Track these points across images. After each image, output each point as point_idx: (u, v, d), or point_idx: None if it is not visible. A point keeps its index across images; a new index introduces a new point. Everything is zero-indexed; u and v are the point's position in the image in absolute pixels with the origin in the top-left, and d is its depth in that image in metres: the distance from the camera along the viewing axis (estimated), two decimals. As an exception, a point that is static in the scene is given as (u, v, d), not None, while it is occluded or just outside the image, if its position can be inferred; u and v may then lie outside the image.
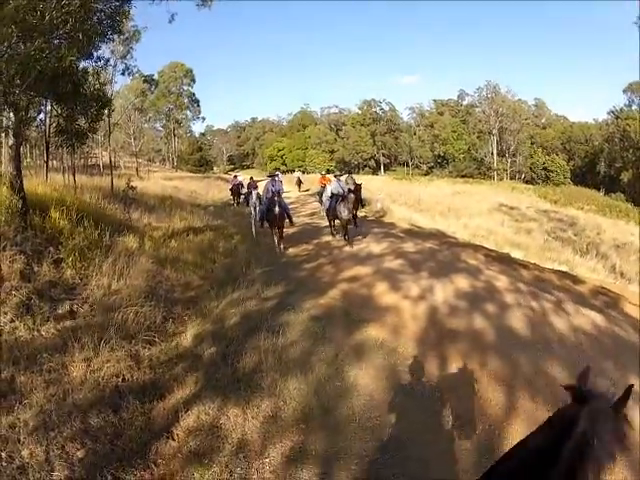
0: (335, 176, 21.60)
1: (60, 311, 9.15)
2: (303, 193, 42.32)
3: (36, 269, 10.11)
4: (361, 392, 7.28)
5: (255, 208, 21.71)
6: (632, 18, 32.93)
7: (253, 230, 20.31)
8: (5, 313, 8.59)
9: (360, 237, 19.04)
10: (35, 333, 8.27)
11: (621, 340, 9.84)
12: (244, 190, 32.70)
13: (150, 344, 8.73)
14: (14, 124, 12.62)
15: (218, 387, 7.39)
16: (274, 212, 17.15)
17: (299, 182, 47.66)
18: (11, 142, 13.03)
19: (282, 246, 17.61)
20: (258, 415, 6.71)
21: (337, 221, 19.49)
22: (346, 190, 19.10)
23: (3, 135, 13.48)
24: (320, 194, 26.80)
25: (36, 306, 8.89)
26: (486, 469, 2.53)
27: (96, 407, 6.57)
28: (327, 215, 20.60)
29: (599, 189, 74.37)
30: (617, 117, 77.16)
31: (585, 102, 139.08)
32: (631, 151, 72.50)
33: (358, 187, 19.99)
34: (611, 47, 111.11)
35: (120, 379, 7.44)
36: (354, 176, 24.48)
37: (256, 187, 27.41)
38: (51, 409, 6.38)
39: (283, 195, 18.55)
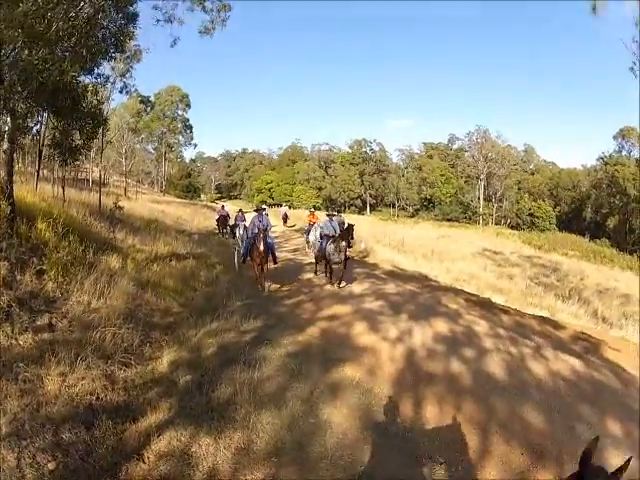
0: (328, 215, 20.27)
1: (39, 322, 9.08)
2: (288, 228, 42.53)
3: (18, 277, 10.06)
4: (334, 430, 7.27)
5: (242, 241, 21.39)
6: (626, 65, 33.27)
7: (236, 262, 20.18)
8: (-16, 318, 8.55)
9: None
10: (13, 341, 8.21)
11: (600, 385, 9.86)
12: (231, 222, 32.59)
13: (126, 366, 8.71)
14: (10, 130, 12.65)
15: (192, 415, 7.38)
16: (259, 249, 16.11)
17: (285, 217, 47.08)
18: (5, 147, 13.05)
19: (266, 284, 16.58)
20: (230, 446, 6.69)
21: (322, 263, 18.87)
22: (338, 231, 18.31)
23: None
24: (307, 232, 26.97)
25: (16, 315, 8.82)
26: None
27: (69, 422, 6.55)
28: (316, 256, 19.94)
29: (584, 235, 75.32)
30: (606, 163, 78.31)
31: (575, 149, 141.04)
32: (618, 197, 73.48)
33: (351, 229, 18.57)
34: (604, 95, 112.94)
35: (94, 397, 7.41)
36: (343, 216, 24.41)
37: (244, 220, 26.98)
38: (24, 418, 6.38)
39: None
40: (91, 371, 7.94)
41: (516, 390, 8.82)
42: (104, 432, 6.53)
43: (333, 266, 17.52)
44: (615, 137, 77.77)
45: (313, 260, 21.54)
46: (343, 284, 17.49)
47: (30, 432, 6.15)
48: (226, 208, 37.57)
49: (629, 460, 2.50)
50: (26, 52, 11.72)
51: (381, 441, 6.98)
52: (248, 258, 17.45)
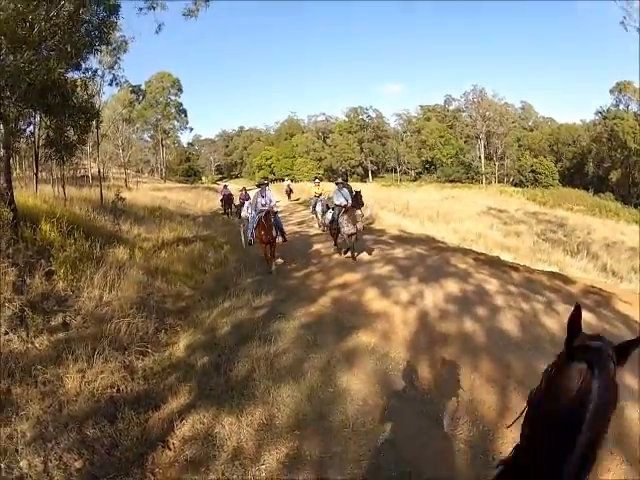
0: (337, 184, 18.34)
1: (53, 323, 9.14)
2: (293, 202, 42.12)
3: (28, 281, 10.10)
4: (354, 397, 7.31)
5: (247, 221, 19.56)
6: (617, 18, 33.31)
7: (243, 240, 19.97)
8: (-1, 325, 8.63)
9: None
10: (29, 345, 8.26)
11: (613, 337, 9.82)
12: (236, 201, 31.43)
13: (143, 355, 8.78)
14: (4, 136, 12.65)
15: (212, 396, 7.43)
16: (265, 227, 15.11)
17: (289, 191, 46.49)
18: (1, 153, 13.06)
19: (275, 262, 15.72)
20: (252, 423, 6.73)
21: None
22: (349, 200, 17.14)
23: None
24: (314, 204, 25.97)
25: (29, 318, 8.86)
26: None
27: (92, 418, 6.60)
28: (329, 229, 19.03)
29: (588, 189, 74.48)
30: (605, 117, 77.39)
31: (572, 104, 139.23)
32: (619, 150, 72.74)
33: (359, 195, 17.41)
34: (597, 48, 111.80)
35: (115, 390, 7.47)
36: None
37: (248, 198, 25.86)
38: (48, 420, 6.41)
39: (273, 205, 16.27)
40: (109, 364, 8.01)
41: (530, 346, 8.83)
42: (128, 423, 6.59)
43: (347, 238, 16.71)
44: (612, 91, 76.82)
45: (319, 231, 22.10)
46: (356, 254, 16.76)
47: (54, 433, 6.20)
48: (229, 187, 36.94)
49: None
50: (11, 57, 11.69)
51: (400, 405, 7.04)
52: (255, 238, 15.98)
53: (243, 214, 22.40)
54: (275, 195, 17.02)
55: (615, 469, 5.71)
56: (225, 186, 37.57)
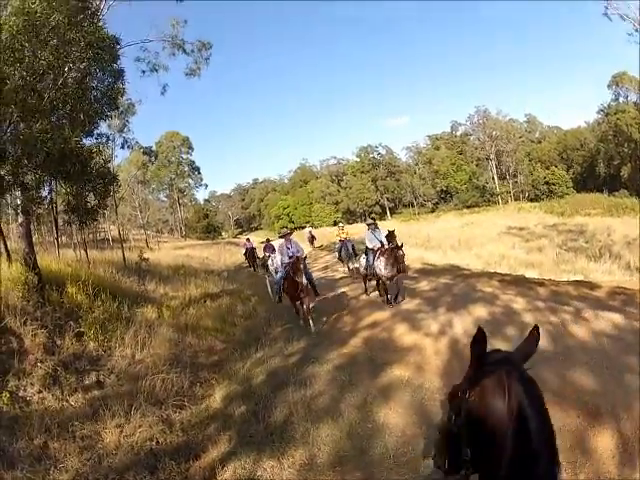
0: (368, 225, 17.07)
1: (87, 382, 9.28)
2: (315, 248, 41.04)
3: (59, 342, 10.24)
4: (392, 430, 7.32)
5: (275, 274, 18.80)
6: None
7: (270, 293, 19.89)
8: (32, 384, 8.71)
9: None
10: (64, 403, 8.40)
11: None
12: (260, 254, 29.43)
13: (180, 408, 8.85)
14: (23, 202, 12.86)
15: (252, 442, 7.46)
16: (296, 281, 13.51)
17: (312, 238, 42.84)
18: (21, 220, 13.28)
19: (312, 322, 13.58)
20: (294, 464, 6.75)
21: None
22: (384, 241, 16.10)
23: (11, 211, 13.67)
24: (339, 249, 24.25)
25: (62, 377, 9.01)
26: None
27: (132, 469, 6.65)
28: (363, 275, 17.18)
29: (602, 191, 74.35)
30: (607, 114, 77.23)
31: (574, 106, 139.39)
32: (626, 145, 72.44)
33: (393, 235, 16.27)
34: (589, 46, 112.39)
35: (154, 442, 7.53)
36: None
37: (273, 249, 22.99)
38: (87, 472, 6.49)
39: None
40: (147, 418, 8.07)
41: (562, 357, 8.81)
42: (169, 473, 6.63)
43: (386, 282, 15.14)
44: (609, 86, 76.69)
45: (345, 275, 21.78)
46: (400, 299, 15.10)
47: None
48: (252, 241, 36.20)
49: (536, 328, 2.47)
50: (22, 125, 11.90)
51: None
52: (284, 292, 14.64)
53: (271, 267, 21.14)
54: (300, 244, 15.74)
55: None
56: (248, 239, 36.79)
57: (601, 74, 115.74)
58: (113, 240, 40.80)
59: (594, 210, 59.10)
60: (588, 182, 78.49)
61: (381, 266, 15.36)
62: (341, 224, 30.80)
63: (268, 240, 29.11)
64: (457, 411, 2.28)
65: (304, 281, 13.74)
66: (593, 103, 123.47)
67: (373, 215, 70.56)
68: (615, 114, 74.94)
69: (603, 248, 31.49)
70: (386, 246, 15.95)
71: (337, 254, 25.17)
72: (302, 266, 13.80)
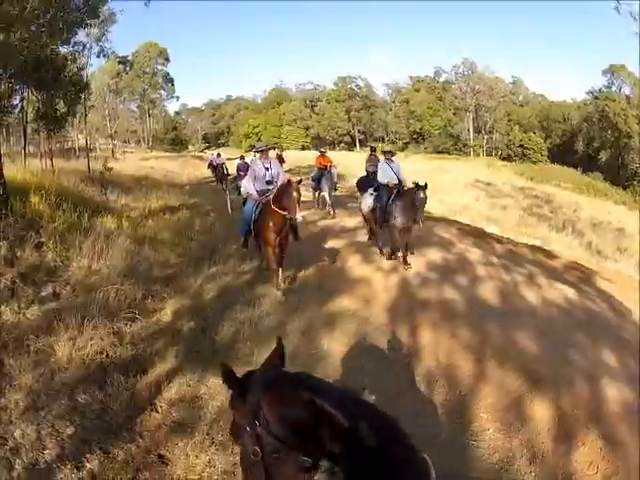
0: (384, 153, 13.91)
1: (44, 294, 9.34)
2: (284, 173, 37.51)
3: (19, 254, 10.30)
4: (335, 358, 7.60)
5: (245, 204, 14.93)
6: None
7: (229, 207, 20.36)
8: (-10, 299, 8.85)
9: (336, 211, 18.72)
10: (21, 316, 8.49)
11: (593, 314, 10.18)
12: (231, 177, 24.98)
13: (131, 321, 8.95)
14: (-5, 112, 12.76)
15: (198, 359, 7.66)
16: (283, 218, 10.01)
17: (280, 160, 33.54)
18: (-10, 130, 13.22)
19: (281, 277, 10.68)
20: (237, 384, 6.89)
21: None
22: (404, 179, 13.21)
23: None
24: (317, 179, 20.61)
25: (20, 290, 9.09)
26: None
27: (83, 384, 6.80)
28: (371, 219, 13.43)
29: (577, 168, 74.41)
30: (596, 97, 76.86)
31: (563, 83, 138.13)
32: (609, 132, 72.08)
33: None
34: (591, 30, 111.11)
35: (104, 355, 7.68)
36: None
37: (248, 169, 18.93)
38: (40, 389, 6.62)
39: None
40: (98, 331, 8.18)
41: (509, 316, 9.05)
42: (117, 388, 6.79)
43: (397, 233, 12.28)
44: (605, 72, 75.59)
45: (322, 214, 19.26)
46: (410, 260, 12.08)
47: (47, 401, 6.41)
48: (222, 156, 33.21)
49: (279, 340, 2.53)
50: (2, 36, 11.74)
51: (379, 367, 7.30)
52: (259, 234, 10.86)
53: (243, 190, 14.80)
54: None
55: (590, 444, 5.96)
56: (219, 154, 33.91)
57: (597, 61, 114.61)
58: (80, 149, 39.99)
59: (565, 184, 59.03)
60: (564, 156, 77.70)
61: (396, 212, 12.29)
62: (322, 149, 24.19)
63: (242, 157, 25.00)
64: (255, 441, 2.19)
65: (298, 217, 9.89)
66: (582, 84, 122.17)
67: (342, 144, 69.24)
68: (605, 100, 74.49)
69: (567, 222, 31.97)
70: (405, 185, 13.00)
71: (312, 183, 21.16)
72: (295, 194, 9.78)
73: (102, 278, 10.32)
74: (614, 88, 74.64)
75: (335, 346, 7.92)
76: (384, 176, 13.21)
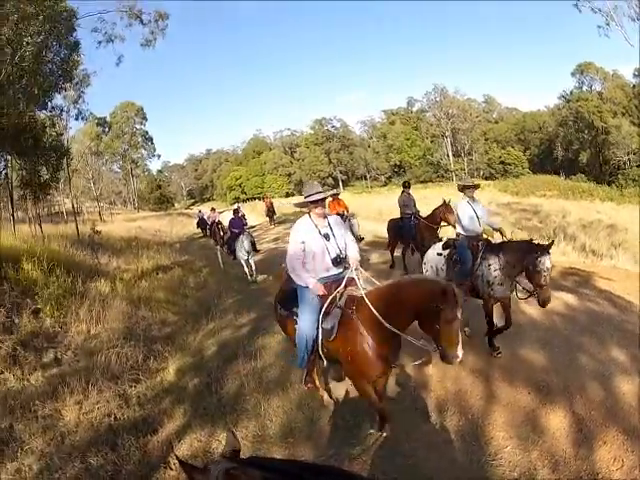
0: (464, 189, 10.03)
1: (45, 359, 9.38)
2: (276, 224, 35.40)
3: (17, 321, 10.33)
4: (342, 404, 7.51)
5: (248, 259, 16.98)
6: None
7: (220, 261, 20.40)
8: (-7, 365, 8.80)
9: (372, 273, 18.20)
10: (25, 382, 8.53)
11: (596, 314, 10.33)
12: (221, 232, 22.15)
13: (136, 382, 9.00)
14: (-22, 181, 12.81)
15: (206, 415, 7.66)
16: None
17: (271, 211, 36.08)
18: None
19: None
20: (247, 436, 6.95)
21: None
22: (496, 224, 10.19)
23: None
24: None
25: (22, 356, 9.13)
26: None
27: (94, 447, 6.81)
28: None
29: (559, 174, 74.74)
30: (568, 100, 77.72)
31: (534, 90, 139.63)
32: (586, 131, 72.90)
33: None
34: (554, 33, 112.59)
35: (112, 418, 7.68)
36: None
37: (244, 224, 20.56)
38: (52, 452, 6.63)
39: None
40: (104, 394, 8.24)
41: (511, 333, 8.98)
42: (128, 449, 6.78)
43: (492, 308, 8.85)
44: (573, 74, 76.80)
45: None
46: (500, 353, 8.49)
47: (59, 464, 6.40)
48: (204, 212, 32.60)
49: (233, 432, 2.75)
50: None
51: (392, 404, 7.13)
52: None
53: (240, 253, 17.15)
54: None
55: (611, 441, 6.00)
56: (213, 209, 30.24)
57: (563, 64, 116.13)
58: (67, 213, 40.19)
59: (550, 192, 59.38)
60: (545, 164, 78.60)
61: (497, 279, 8.56)
62: (335, 192, 19.42)
63: (236, 211, 21.01)
64: None
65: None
66: (552, 89, 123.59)
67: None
68: (577, 101, 75.42)
69: (557, 229, 31.73)
70: (499, 236, 9.47)
71: None
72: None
73: (102, 341, 10.37)
74: (585, 87, 75.62)
75: (340, 389, 7.80)
76: (466, 223, 9.47)
